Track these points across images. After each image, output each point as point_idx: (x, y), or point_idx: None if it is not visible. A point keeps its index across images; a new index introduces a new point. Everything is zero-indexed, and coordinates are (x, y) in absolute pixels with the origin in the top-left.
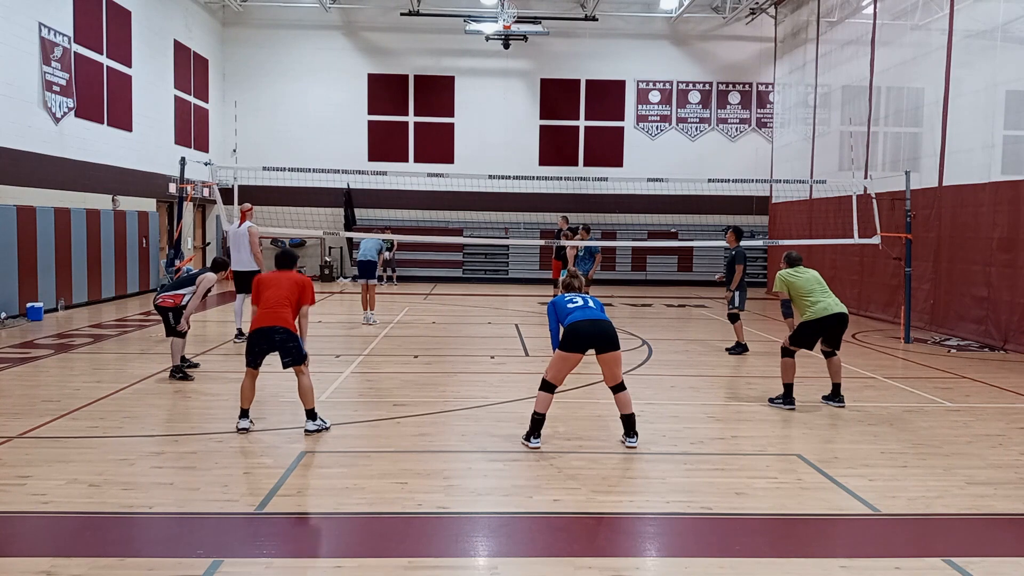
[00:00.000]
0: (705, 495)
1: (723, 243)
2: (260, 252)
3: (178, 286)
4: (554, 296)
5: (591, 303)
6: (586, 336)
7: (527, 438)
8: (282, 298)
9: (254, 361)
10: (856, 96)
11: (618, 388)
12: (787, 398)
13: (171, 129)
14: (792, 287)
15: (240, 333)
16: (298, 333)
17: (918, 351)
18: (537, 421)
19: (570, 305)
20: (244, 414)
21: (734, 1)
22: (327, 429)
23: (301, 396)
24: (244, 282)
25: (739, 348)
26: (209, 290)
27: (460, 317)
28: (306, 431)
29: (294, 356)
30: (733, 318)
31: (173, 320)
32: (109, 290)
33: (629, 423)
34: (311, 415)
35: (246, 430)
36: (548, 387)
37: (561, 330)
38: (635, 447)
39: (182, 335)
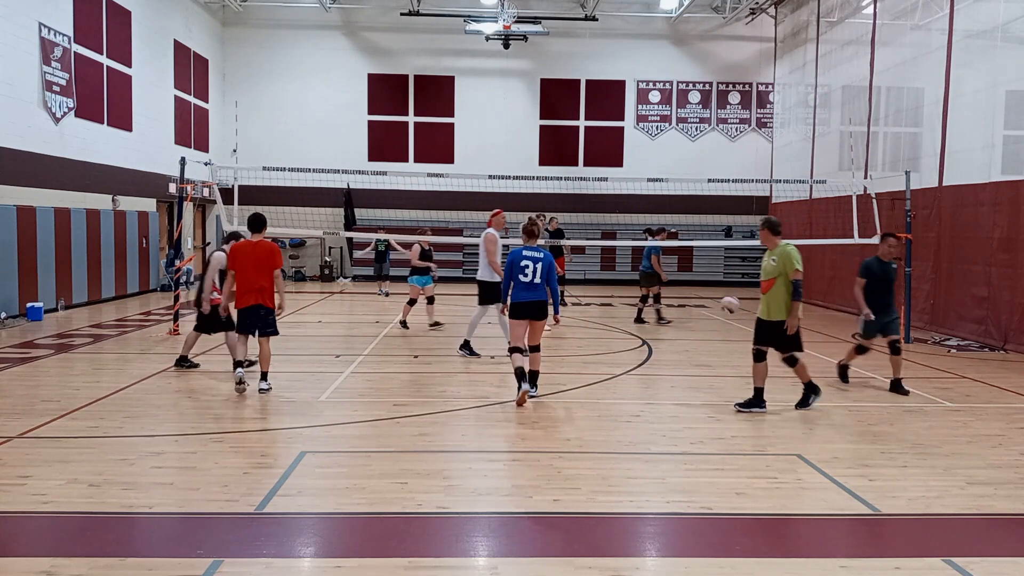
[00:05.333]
0: (705, 495)
1: (723, 243)
2: (497, 263)
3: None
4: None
5: (537, 278)
6: (525, 310)
7: (519, 387)
8: (261, 274)
9: (248, 331)
10: (856, 96)
11: (535, 349)
12: (815, 391)
13: (171, 129)
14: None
15: (466, 345)
16: (277, 299)
17: (918, 351)
18: (519, 373)
19: (522, 278)
20: (238, 365)
21: (734, 1)
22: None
23: (262, 360)
24: (489, 293)
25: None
26: (221, 271)
27: (460, 317)
28: (260, 390)
29: (272, 328)
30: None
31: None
32: (109, 290)
33: (534, 377)
34: (265, 376)
35: (243, 383)
36: (515, 349)
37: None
38: (536, 396)
39: (207, 329)
